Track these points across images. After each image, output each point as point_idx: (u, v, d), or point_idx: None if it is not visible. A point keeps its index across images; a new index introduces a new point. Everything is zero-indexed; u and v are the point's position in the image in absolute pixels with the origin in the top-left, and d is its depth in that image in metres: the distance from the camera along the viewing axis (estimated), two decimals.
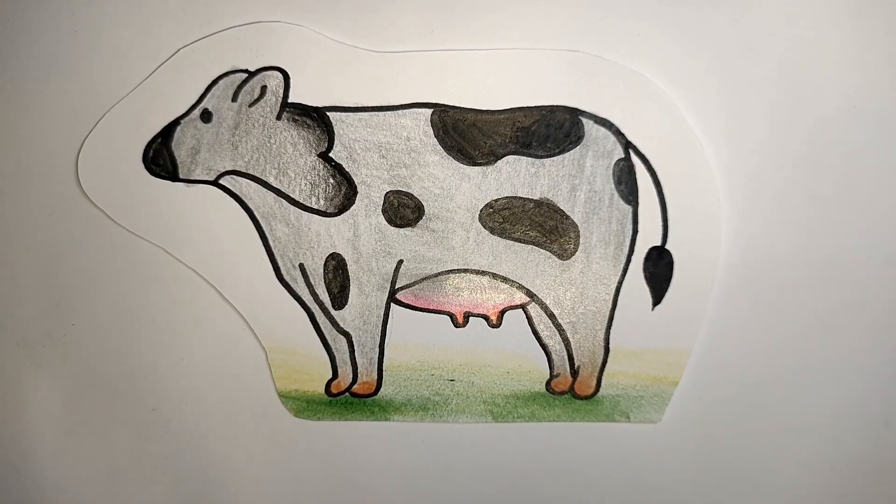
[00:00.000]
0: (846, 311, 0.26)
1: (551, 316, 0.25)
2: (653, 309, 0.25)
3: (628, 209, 0.25)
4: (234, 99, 0.25)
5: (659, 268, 0.25)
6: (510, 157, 0.25)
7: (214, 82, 0.25)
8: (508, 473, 0.25)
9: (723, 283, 0.25)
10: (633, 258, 0.25)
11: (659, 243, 0.25)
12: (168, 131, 0.25)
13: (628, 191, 0.25)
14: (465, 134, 0.25)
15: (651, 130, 0.25)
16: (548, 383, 0.25)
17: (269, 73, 0.25)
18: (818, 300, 0.25)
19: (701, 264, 0.25)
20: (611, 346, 0.25)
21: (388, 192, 0.25)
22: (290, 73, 0.25)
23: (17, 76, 0.25)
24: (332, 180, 0.25)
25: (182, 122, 0.25)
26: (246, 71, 0.25)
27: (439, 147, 0.25)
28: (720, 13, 0.25)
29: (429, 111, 0.25)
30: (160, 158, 0.25)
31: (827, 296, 0.25)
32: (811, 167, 0.25)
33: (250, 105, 0.25)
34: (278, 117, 0.25)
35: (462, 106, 0.25)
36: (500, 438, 0.25)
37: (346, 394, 0.25)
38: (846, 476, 0.26)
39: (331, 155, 0.25)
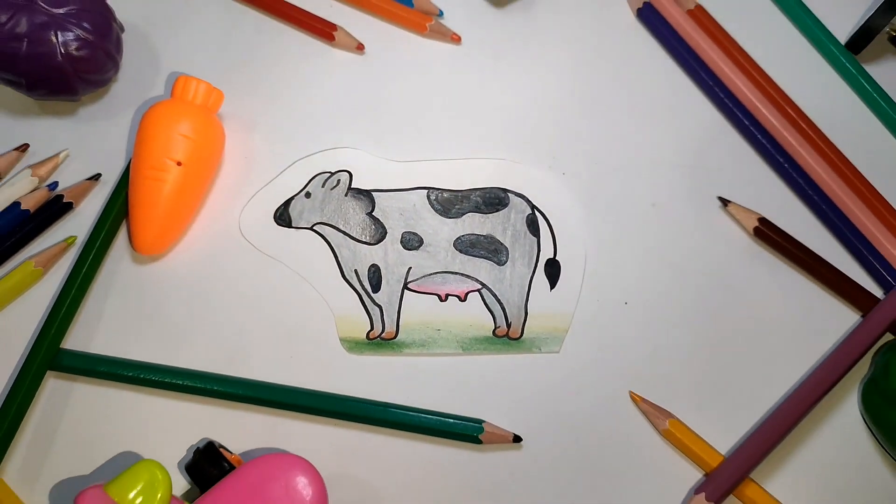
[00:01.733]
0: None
1: (494, 295, 0.45)
2: (550, 291, 0.45)
3: (535, 239, 0.45)
4: (323, 186, 0.46)
5: (553, 269, 0.45)
6: (469, 213, 0.46)
7: (312, 178, 0.47)
8: (470, 382, 0.42)
9: (587, 276, 0.45)
10: (538, 265, 0.45)
11: (551, 256, 0.45)
12: (287, 203, 0.46)
13: (534, 230, 0.45)
14: (444, 202, 0.46)
15: (547, 199, 0.46)
16: (493, 331, 0.44)
17: (341, 173, 0.46)
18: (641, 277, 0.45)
19: (575, 267, 0.45)
20: (528, 310, 0.44)
21: (403, 232, 0.45)
22: (352, 173, 0.47)
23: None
24: (373, 226, 0.46)
25: (294, 198, 0.46)
26: (329, 171, 0.47)
27: (431, 209, 0.46)
28: (593, 144, 0.47)
29: (425, 191, 0.46)
30: (283, 216, 0.46)
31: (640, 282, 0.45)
32: (649, 216, 0.46)
33: (331, 189, 0.46)
34: (346, 195, 0.46)
35: (442, 188, 0.46)
36: (466, 362, 0.43)
37: (378, 339, 0.44)
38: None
39: (374, 213, 0.46)
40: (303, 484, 0.35)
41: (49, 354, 0.42)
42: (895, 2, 0.47)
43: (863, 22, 0.48)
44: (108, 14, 0.46)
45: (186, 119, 0.43)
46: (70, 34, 0.43)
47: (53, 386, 0.42)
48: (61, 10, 0.44)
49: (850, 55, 0.49)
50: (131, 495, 0.33)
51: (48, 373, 0.42)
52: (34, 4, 0.43)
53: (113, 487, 0.34)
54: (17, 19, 0.43)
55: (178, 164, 0.43)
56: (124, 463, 0.39)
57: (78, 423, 0.42)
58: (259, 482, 0.35)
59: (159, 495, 0.34)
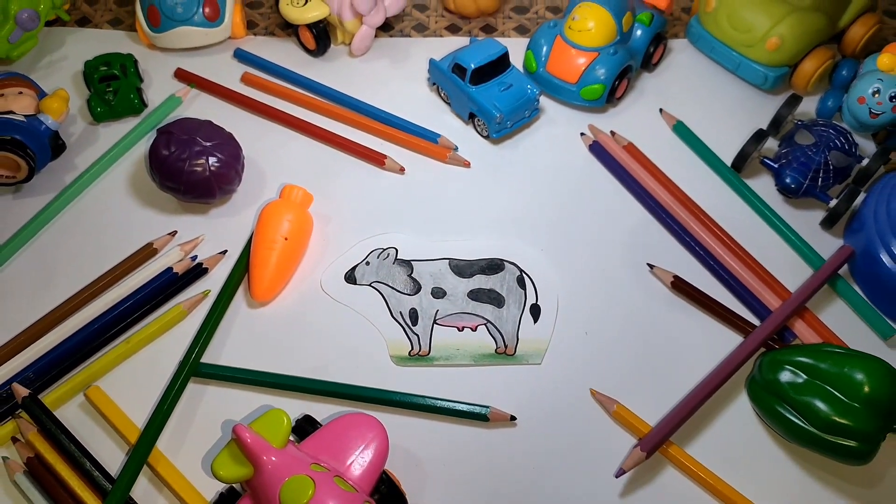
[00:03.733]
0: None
1: (495, 327, 0.65)
2: (534, 324, 0.65)
3: (522, 291, 0.66)
4: (378, 257, 0.68)
5: (535, 311, 0.65)
6: (477, 275, 0.67)
7: (370, 252, 0.68)
8: (480, 382, 0.60)
9: (560, 314, 0.65)
10: (525, 308, 0.66)
11: (534, 302, 0.66)
12: (353, 268, 0.67)
13: (522, 285, 0.66)
14: (461, 268, 0.67)
15: (531, 266, 0.67)
16: (495, 350, 0.63)
17: (390, 248, 0.68)
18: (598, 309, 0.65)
19: (551, 309, 0.65)
20: (519, 337, 0.64)
21: (432, 287, 0.66)
22: (398, 248, 0.68)
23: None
24: (412, 283, 0.66)
25: (358, 265, 0.67)
26: (382, 248, 0.68)
27: (451, 272, 0.67)
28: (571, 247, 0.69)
29: (447, 260, 0.67)
30: (351, 277, 0.67)
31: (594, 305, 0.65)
32: (601, 277, 0.67)
33: (384, 259, 0.68)
34: (393, 263, 0.68)
35: (459, 258, 0.68)
36: (477, 370, 0.61)
37: (416, 355, 0.63)
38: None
39: (412, 275, 0.67)
40: (371, 430, 0.54)
41: (193, 366, 0.61)
42: (758, 137, 0.71)
43: (740, 149, 0.71)
44: (237, 147, 0.69)
45: (290, 211, 0.66)
46: (214, 158, 0.67)
47: (193, 388, 0.61)
48: (210, 143, 0.67)
49: (734, 172, 0.72)
50: (266, 430, 0.52)
51: (190, 378, 0.61)
52: (194, 140, 0.67)
53: (254, 424, 0.52)
54: (183, 149, 0.66)
55: (285, 239, 0.65)
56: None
57: (211, 412, 0.60)
58: (342, 429, 0.54)
59: (284, 431, 0.52)
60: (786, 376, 0.57)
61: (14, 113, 0.69)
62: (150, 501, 0.56)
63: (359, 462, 0.52)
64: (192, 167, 0.66)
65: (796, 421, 0.56)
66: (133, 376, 0.61)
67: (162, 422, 0.58)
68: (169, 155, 0.66)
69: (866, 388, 0.54)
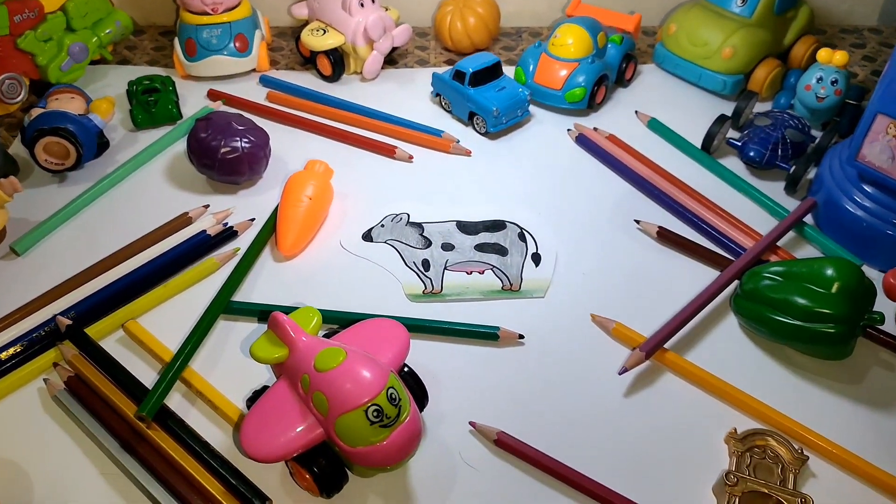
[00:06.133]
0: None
1: (501, 270, 0.71)
2: (535, 268, 0.71)
3: (523, 244, 0.72)
4: (392, 221, 0.75)
5: (535, 258, 0.72)
6: (482, 232, 0.74)
7: (384, 217, 0.75)
8: (491, 312, 0.67)
9: (559, 260, 0.72)
10: (527, 256, 0.72)
11: (535, 251, 0.73)
12: (370, 230, 0.74)
13: (522, 239, 0.73)
14: (467, 227, 0.75)
15: (529, 224, 0.75)
16: (502, 287, 0.70)
17: (403, 213, 0.76)
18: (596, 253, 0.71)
19: (550, 256, 0.72)
20: (522, 276, 0.70)
21: (442, 242, 0.73)
22: (410, 214, 0.76)
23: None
24: (423, 240, 0.73)
25: (374, 227, 0.74)
26: (395, 213, 0.76)
27: (459, 231, 0.74)
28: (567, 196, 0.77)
29: (454, 222, 0.75)
30: (367, 236, 0.74)
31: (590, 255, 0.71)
32: (596, 233, 0.74)
33: (397, 223, 0.75)
34: (406, 225, 0.75)
35: (465, 220, 0.75)
36: (486, 304, 0.67)
37: (430, 293, 0.69)
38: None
39: (424, 234, 0.74)
40: (393, 328, 0.59)
41: (223, 301, 0.66)
42: (721, 120, 0.81)
43: (707, 131, 0.81)
44: (266, 134, 0.78)
45: (314, 178, 0.74)
46: (246, 140, 0.76)
47: (224, 324, 0.66)
48: (242, 128, 0.76)
49: (705, 153, 0.82)
50: (299, 321, 0.57)
51: (221, 316, 0.66)
52: (229, 125, 0.76)
53: (289, 316, 0.57)
54: (219, 131, 0.75)
55: (310, 198, 0.72)
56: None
57: (240, 342, 0.65)
58: (366, 328, 0.59)
59: (315, 324, 0.57)
60: (765, 282, 0.63)
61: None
62: (185, 410, 0.59)
63: (384, 351, 0.57)
64: (227, 146, 0.75)
65: (780, 318, 0.61)
66: (169, 317, 0.66)
67: (196, 344, 0.63)
68: (206, 136, 0.75)
69: (836, 281, 0.60)
